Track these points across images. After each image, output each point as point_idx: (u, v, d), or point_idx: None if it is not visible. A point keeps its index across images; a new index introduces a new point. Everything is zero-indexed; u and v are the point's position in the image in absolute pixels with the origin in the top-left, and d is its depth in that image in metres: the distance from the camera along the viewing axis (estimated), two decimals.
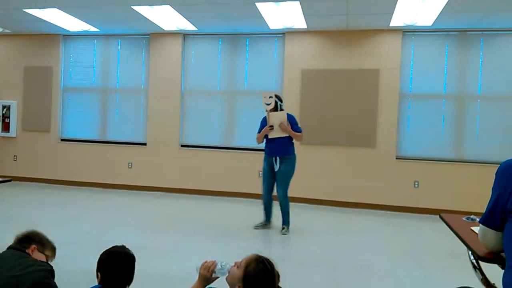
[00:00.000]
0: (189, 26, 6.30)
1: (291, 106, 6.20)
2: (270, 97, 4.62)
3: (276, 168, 4.64)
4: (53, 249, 2.25)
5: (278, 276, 1.68)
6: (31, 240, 2.15)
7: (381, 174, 6.16)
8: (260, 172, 6.20)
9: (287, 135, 4.63)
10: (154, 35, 6.84)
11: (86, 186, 7.10)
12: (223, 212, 5.72)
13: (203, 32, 6.65)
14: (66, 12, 5.95)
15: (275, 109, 4.69)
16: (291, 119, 4.68)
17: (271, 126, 4.56)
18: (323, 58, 6.31)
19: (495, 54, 5.89)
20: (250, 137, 6.32)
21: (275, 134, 4.60)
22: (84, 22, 6.44)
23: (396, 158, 6.12)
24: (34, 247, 2.10)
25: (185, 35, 6.77)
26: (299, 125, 4.76)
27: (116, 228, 4.72)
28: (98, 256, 1.92)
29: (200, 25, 6.25)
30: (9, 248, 2.10)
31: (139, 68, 6.99)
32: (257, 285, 1.62)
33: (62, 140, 7.31)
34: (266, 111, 4.60)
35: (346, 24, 5.93)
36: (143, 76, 7.00)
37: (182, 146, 6.85)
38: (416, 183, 6.05)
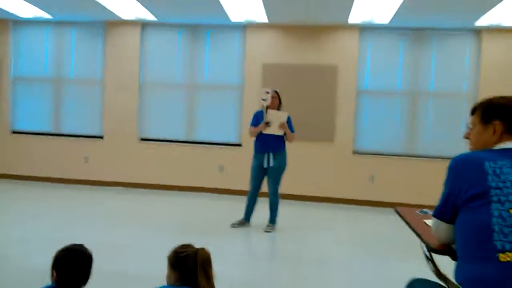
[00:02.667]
0: (148, 16, 6.10)
1: (252, 100, 6.17)
2: (267, 92, 4.51)
3: (271, 164, 4.53)
4: None
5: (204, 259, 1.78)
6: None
7: (339, 168, 6.22)
8: (222, 167, 6.35)
9: (282, 133, 4.56)
10: (111, 24, 6.58)
11: (40, 181, 6.81)
12: (185, 207, 5.62)
13: (163, 22, 6.47)
14: None
15: (278, 106, 4.61)
16: (287, 119, 4.60)
17: (268, 123, 4.45)
18: (284, 53, 6.30)
19: (446, 53, 6.09)
20: (211, 131, 6.49)
21: (270, 131, 4.51)
22: (36, 7, 6.08)
23: (353, 153, 6.21)
24: None
25: (143, 24, 6.56)
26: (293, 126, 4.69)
27: (73, 225, 4.55)
28: (54, 254, 1.83)
29: (160, 14, 6.08)
30: None
31: (95, 58, 6.74)
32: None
33: (13, 132, 6.94)
34: (264, 106, 4.47)
35: (306, 18, 5.93)
36: (99, 67, 6.73)
37: (142, 139, 6.66)
38: (372, 177, 6.15)
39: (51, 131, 6.91)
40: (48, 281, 1.83)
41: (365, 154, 6.19)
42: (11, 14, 6.45)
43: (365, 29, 6.16)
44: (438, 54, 6.08)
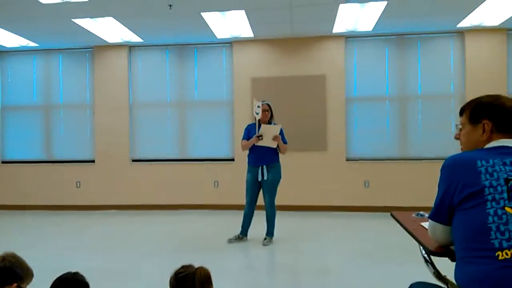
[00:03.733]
0: (135, 38, 6.10)
1: (243, 115, 6.14)
2: (258, 106, 4.42)
3: (265, 176, 4.46)
4: (31, 276, 2.01)
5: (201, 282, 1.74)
6: (11, 275, 1.89)
7: (333, 176, 6.15)
8: (216, 182, 6.28)
9: (274, 146, 4.47)
10: (98, 48, 6.56)
11: (33, 210, 6.63)
12: (181, 226, 5.48)
13: (150, 43, 6.47)
14: (1, 27, 5.54)
15: (269, 120, 4.54)
16: (281, 134, 4.53)
17: (260, 136, 4.38)
18: (271, 66, 6.28)
19: (431, 56, 6.11)
20: (203, 148, 6.42)
21: (263, 143, 4.43)
22: (21, 37, 6.05)
23: (347, 160, 6.16)
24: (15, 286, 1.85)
25: (130, 47, 6.55)
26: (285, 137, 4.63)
27: (68, 252, 4.41)
28: (50, 284, 1.80)
29: (146, 36, 6.07)
30: None
31: (83, 83, 6.68)
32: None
33: (3, 162, 6.84)
34: (258, 120, 4.39)
35: (291, 31, 5.95)
36: (88, 91, 6.67)
37: (134, 160, 6.57)
38: (367, 182, 6.11)
39: (42, 158, 6.79)
40: None
41: (358, 160, 6.15)
42: None
43: (350, 37, 6.18)
44: (423, 57, 6.10)
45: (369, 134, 6.16)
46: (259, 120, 4.43)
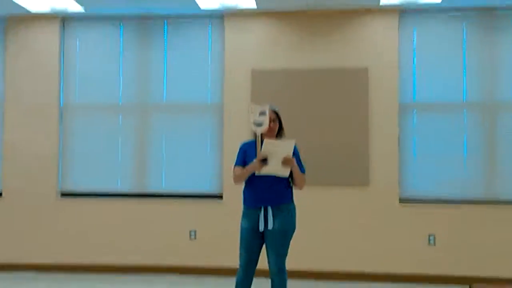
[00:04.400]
0: (71, 5, 5.96)
1: (237, 125, 5.94)
2: (262, 112, 4.19)
3: (270, 225, 4.22)
4: None
5: None
6: None
7: (378, 227, 5.78)
8: (192, 232, 5.93)
9: (286, 175, 4.18)
10: (14, 19, 6.38)
11: None
12: None
13: (94, 14, 6.23)
14: None
15: (277, 134, 4.37)
16: (297, 154, 4.28)
17: (264, 160, 4.11)
18: (282, 53, 6.00)
19: None
20: (175, 177, 6.10)
21: (269, 171, 4.14)
22: None
23: (400, 201, 5.75)
24: None
25: (64, 19, 6.40)
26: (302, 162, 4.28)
27: None
28: None
29: (89, 2, 5.88)
30: None
31: None
32: None
33: None
34: (257, 134, 4.17)
35: (314, 2, 5.60)
36: None
37: (64, 195, 6.23)
38: (432, 237, 5.72)
39: None
40: None
41: (418, 203, 5.81)
42: None
43: (407, 11, 5.87)
44: None
45: (436, 161, 5.84)
46: (261, 135, 4.14)
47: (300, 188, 4.31)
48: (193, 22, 6.23)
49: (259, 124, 4.20)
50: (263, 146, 4.06)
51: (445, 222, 5.82)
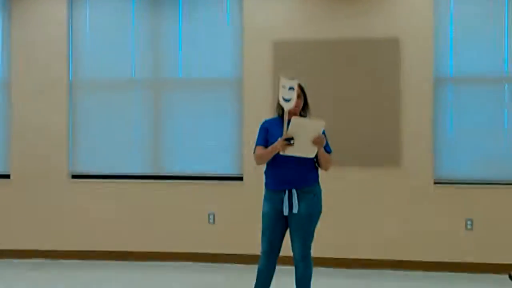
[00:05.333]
0: None
1: (258, 102, 5.81)
2: (291, 87, 4.05)
3: (296, 208, 4.12)
4: None
5: None
6: None
7: (411, 211, 5.66)
8: (211, 215, 5.83)
9: (312, 156, 4.07)
10: None
11: None
12: None
13: None
14: None
15: (302, 110, 4.24)
16: (324, 135, 4.13)
17: (290, 139, 3.96)
18: (307, 23, 5.91)
19: None
20: (192, 157, 6.04)
21: (294, 152, 4.00)
22: None
23: (435, 183, 5.62)
24: None
25: None
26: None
27: None
28: None
29: None
30: None
31: None
32: None
33: None
34: (285, 111, 4.03)
35: None
36: (1, 61, 6.32)
37: (74, 176, 6.18)
38: (469, 222, 5.60)
39: None
40: None
41: (454, 184, 5.69)
42: None
43: None
44: None
45: (474, 139, 5.71)
46: (288, 113, 3.97)
47: (326, 169, 4.27)
48: None
49: (288, 100, 4.09)
50: (290, 124, 3.93)
51: (484, 205, 5.75)
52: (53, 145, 6.28)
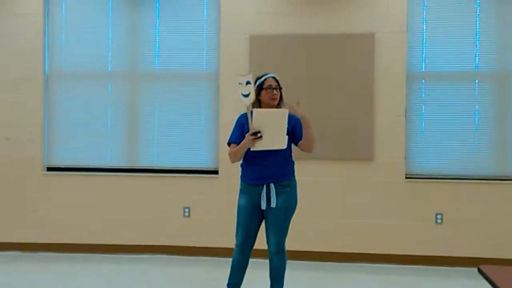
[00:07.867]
0: None
1: (234, 96, 5.63)
2: (248, 82, 4.06)
3: (273, 202, 4.15)
4: None
5: None
6: None
7: (383, 204, 5.76)
8: (186, 209, 5.89)
9: (284, 146, 4.04)
10: None
11: None
12: (126, 283, 5.08)
13: None
14: None
15: (277, 105, 4.25)
16: (296, 122, 4.16)
17: (257, 133, 3.96)
18: (283, 18, 5.96)
19: None
20: (167, 151, 6.08)
21: (264, 146, 4.00)
22: None
23: (406, 177, 5.73)
24: None
25: None
26: None
27: None
28: None
29: None
30: None
31: None
32: None
33: None
34: (247, 106, 4.07)
35: None
36: None
37: (49, 169, 6.22)
38: (439, 216, 5.71)
39: None
40: None
41: (425, 179, 5.78)
42: None
43: None
44: None
45: (445, 135, 5.81)
46: (252, 106, 4.05)
47: (311, 150, 4.25)
48: None
49: (247, 95, 4.13)
50: (253, 117, 3.98)
51: (454, 200, 5.83)
52: (29, 137, 6.30)
